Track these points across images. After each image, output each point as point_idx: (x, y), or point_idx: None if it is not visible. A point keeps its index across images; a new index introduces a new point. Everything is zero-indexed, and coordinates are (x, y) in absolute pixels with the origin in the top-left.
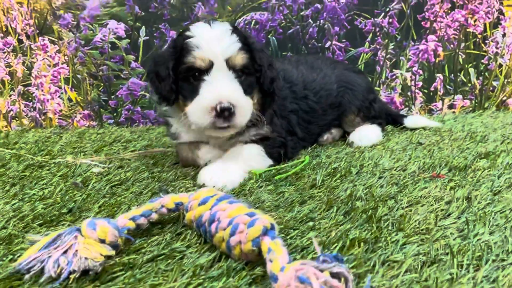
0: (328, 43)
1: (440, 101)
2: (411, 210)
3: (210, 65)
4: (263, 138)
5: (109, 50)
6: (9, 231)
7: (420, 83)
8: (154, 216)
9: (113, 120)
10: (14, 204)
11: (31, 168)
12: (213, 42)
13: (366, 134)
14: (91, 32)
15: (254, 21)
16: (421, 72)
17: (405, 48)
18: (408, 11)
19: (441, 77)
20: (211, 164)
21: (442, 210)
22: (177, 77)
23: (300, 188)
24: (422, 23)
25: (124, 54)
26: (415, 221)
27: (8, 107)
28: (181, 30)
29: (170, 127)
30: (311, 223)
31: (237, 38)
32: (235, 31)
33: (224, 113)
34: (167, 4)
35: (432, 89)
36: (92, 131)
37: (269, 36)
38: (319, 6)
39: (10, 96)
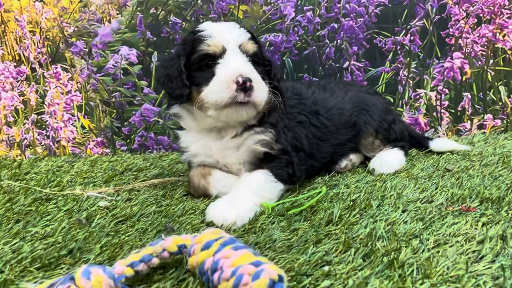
0: (346, 63)
1: (468, 121)
2: (438, 252)
3: (223, 51)
4: (268, 155)
5: (122, 76)
6: (5, 276)
7: (446, 103)
8: (155, 261)
9: (126, 147)
10: (14, 244)
11: (38, 202)
12: (224, 32)
13: (387, 160)
14: (103, 58)
15: (268, 42)
16: (447, 91)
17: (428, 67)
18: (431, 27)
19: (469, 96)
20: (220, 198)
21: (473, 251)
22: (190, 71)
23: (315, 225)
24: (446, 40)
25: (137, 80)
26: (443, 266)
27: (22, 136)
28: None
29: (179, 142)
30: (326, 268)
31: (246, 31)
32: (243, 27)
33: (246, 84)
34: (179, 28)
35: (459, 108)
36: (105, 158)
37: (284, 58)
38: (335, 25)
39: (24, 124)
